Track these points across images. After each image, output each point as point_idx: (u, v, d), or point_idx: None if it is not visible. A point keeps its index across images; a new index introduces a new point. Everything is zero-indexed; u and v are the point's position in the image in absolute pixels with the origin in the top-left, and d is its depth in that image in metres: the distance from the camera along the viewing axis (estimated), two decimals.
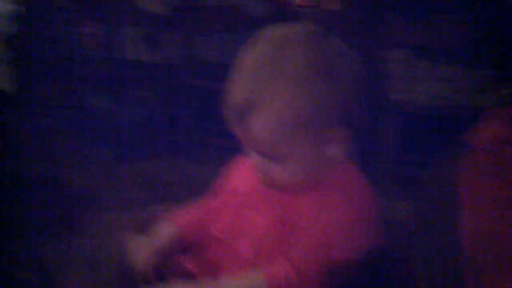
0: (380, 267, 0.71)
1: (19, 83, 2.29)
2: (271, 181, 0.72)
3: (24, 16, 2.29)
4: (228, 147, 0.87)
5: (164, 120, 2.70)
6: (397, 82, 2.14)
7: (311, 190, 0.71)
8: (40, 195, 2.07)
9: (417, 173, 1.93)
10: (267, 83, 0.66)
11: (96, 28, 2.60)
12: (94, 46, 2.62)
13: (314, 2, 2.08)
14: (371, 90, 2.09)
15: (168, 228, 0.83)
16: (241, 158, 0.81)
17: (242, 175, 0.80)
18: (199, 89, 2.60)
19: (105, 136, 2.69)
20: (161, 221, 0.85)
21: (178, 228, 0.83)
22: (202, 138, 2.61)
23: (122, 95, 2.75)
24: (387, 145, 2.19)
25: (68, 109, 2.81)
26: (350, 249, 0.68)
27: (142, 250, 0.82)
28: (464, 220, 0.67)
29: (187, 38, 2.57)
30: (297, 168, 0.69)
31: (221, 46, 2.50)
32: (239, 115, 0.67)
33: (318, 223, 0.68)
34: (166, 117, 2.69)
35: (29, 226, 1.85)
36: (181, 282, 0.73)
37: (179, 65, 2.60)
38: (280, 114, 0.65)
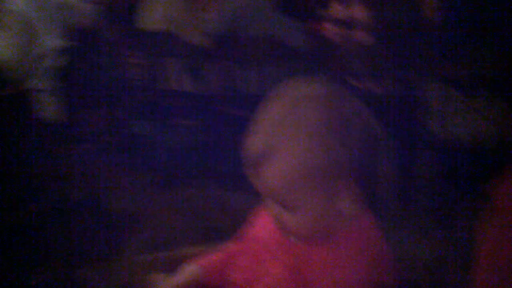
0: None
1: (67, 112, 2.39)
2: (285, 229, 0.74)
3: (73, 49, 2.40)
4: None
5: (204, 148, 2.75)
6: (434, 115, 2.12)
7: (324, 242, 0.73)
8: (82, 218, 2.15)
9: (451, 210, 1.90)
10: (282, 135, 0.69)
11: (141, 59, 2.69)
12: (139, 77, 2.71)
13: (347, 36, 2.10)
14: (408, 124, 2.09)
15: (191, 267, 0.88)
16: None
17: (264, 222, 0.83)
18: (239, 118, 2.64)
19: (148, 163, 2.77)
20: (189, 261, 0.90)
21: (200, 268, 0.87)
22: (242, 168, 2.64)
23: (165, 123, 2.83)
24: (424, 179, 2.17)
25: (113, 136, 2.92)
26: None
27: (163, 285, 0.87)
28: (477, 275, 0.66)
29: (227, 69, 2.62)
30: (307, 218, 0.71)
31: (260, 77, 2.54)
32: (254, 164, 0.71)
33: (330, 277, 0.69)
34: (207, 145, 2.75)
35: (67, 249, 1.92)
36: None
37: (220, 95, 2.66)
38: (292, 164, 0.68)
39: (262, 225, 0.83)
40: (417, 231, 2.00)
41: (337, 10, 2.17)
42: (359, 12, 2.11)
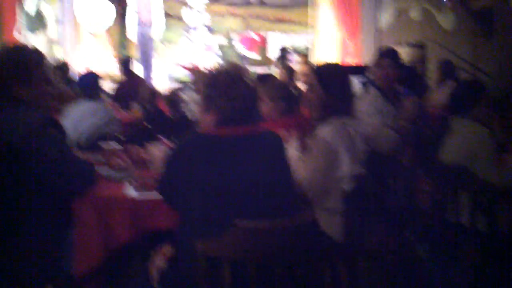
0: None
1: (353, 232, 2.53)
2: None
3: (365, 174, 2.57)
4: None
5: None
6: None
7: None
8: None
9: None
10: None
11: (433, 188, 2.69)
12: (429, 204, 2.70)
13: None
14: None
15: None
16: None
17: None
18: None
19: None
20: None
21: None
22: None
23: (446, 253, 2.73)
24: None
25: (397, 256, 2.95)
26: None
27: None
28: None
29: None
30: None
31: None
32: None
33: None
34: None
35: None
36: None
37: None
38: None
39: None
40: None
41: None
42: None
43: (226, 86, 2.02)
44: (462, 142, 2.79)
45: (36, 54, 2.15)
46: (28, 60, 2.04)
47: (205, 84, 2.11)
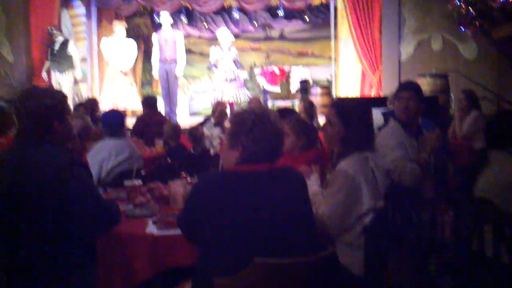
0: None
1: (372, 266, 2.50)
2: None
3: (385, 208, 2.55)
4: None
5: None
6: None
7: None
8: None
9: None
10: None
11: (453, 219, 2.66)
12: (450, 236, 2.67)
13: None
14: None
15: None
16: None
17: None
18: None
19: None
20: None
21: None
22: None
23: None
24: None
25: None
26: None
27: None
28: None
29: None
30: None
31: None
32: None
33: None
34: None
35: None
36: None
37: None
38: None
39: None
40: None
41: None
42: None
43: (252, 125, 2.07)
44: (499, 174, 2.76)
45: (64, 95, 2.44)
46: (63, 100, 2.38)
47: (232, 121, 2.18)
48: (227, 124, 2.38)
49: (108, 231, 2.51)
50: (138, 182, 3.22)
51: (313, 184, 2.75)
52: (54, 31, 9.00)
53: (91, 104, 7.46)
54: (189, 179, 3.23)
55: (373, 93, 8.55)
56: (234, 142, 2.11)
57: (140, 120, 6.91)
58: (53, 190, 2.18)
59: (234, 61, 9.31)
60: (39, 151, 2.25)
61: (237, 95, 9.30)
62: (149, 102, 7.03)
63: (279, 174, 2.11)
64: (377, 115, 4.45)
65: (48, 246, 2.21)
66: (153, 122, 6.65)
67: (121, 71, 9.51)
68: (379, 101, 5.99)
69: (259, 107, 2.22)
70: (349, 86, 9.46)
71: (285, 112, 4.25)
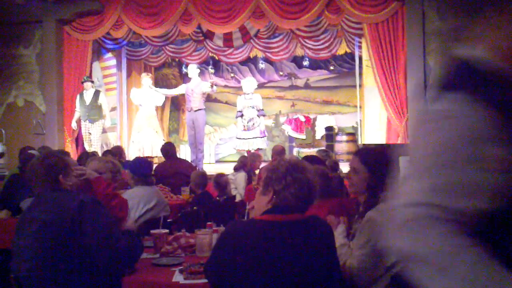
0: None
1: None
2: None
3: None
4: None
5: None
6: None
7: None
8: None
9: None
10: None
11: None
12: None
13: None
14: None
15: None
16: None
17: None
18: None
19: None
20: None
21: None
22: None
23: None
24: None
25: None
26: None
27: None
28: None
29: None
30: None
31: None
32: None
33: None
34: None
35: None
36: None
37: None
38: None
39: None
40: None
41: None
42: None
43: (286, 172, 2.12)
44: None
45: (64, 153, 2.83)
46: (68, 161, 2.90)
47: (268, 169, 2.26)
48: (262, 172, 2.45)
49: (130, 265, 2.66)
50: (164, 230, 3.23)
51: (339, 234, 2.72)
52: (86, 83, 9.27)
53: (117, 151, 7.58)
54: (215, 227, 3.23)
55: (399, 141, 8.51)
56: (266, 188, 2.16)
57: (166, 168, 6.97)
58: (79, 220, 2.46)
59: (256, 109, 9.42)
60: (52, 196, 2.62)
61: (254, 143, 9.37)
62: (162, 150, 7.11)
63: (308, 225, 2.12)
64: (404, 163, 4.40)
65: (73, 280, 2.43)
66: (167, 168, 6.67)
67: (148, 119, 9.67)
68: (406, 149, 5.94)
69: (295, 158, 2.29)
70: (375, 134, 9.44)
71: (309, 160, 4.26)
